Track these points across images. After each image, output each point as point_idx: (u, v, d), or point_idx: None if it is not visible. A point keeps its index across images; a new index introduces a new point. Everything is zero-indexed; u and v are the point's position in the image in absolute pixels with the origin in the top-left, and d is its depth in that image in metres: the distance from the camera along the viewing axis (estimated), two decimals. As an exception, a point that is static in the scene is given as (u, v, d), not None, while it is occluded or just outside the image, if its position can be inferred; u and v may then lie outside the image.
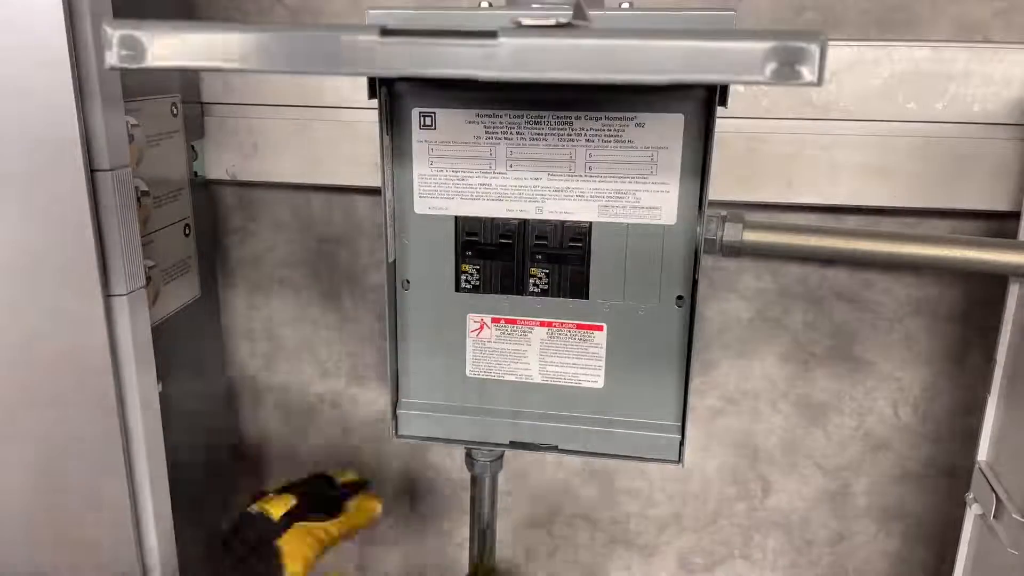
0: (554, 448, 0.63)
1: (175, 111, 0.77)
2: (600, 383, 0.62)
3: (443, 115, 0.57)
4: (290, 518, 0.66)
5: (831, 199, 0.75)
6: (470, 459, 0.68)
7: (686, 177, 0.55)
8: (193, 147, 0.82)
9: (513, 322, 0.61)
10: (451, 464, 0.98)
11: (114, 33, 0.35)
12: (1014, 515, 0.64)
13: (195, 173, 0.83)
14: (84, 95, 0.57)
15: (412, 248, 0.61)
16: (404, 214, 0.60)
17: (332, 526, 0.68)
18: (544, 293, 0.60)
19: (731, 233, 0.60)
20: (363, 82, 0.54)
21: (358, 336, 0.95)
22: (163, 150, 0.75)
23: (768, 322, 0.86)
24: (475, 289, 0.61)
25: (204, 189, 0.86)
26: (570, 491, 0.96)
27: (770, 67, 0.31)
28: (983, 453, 0.72)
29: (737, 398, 0.89)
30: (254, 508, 0.66)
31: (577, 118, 0.55)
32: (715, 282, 0.85)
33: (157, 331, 0.68)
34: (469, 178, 0.58)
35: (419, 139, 0.58)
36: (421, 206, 0.60)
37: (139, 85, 0.69)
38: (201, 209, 0.84)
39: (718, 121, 0.51)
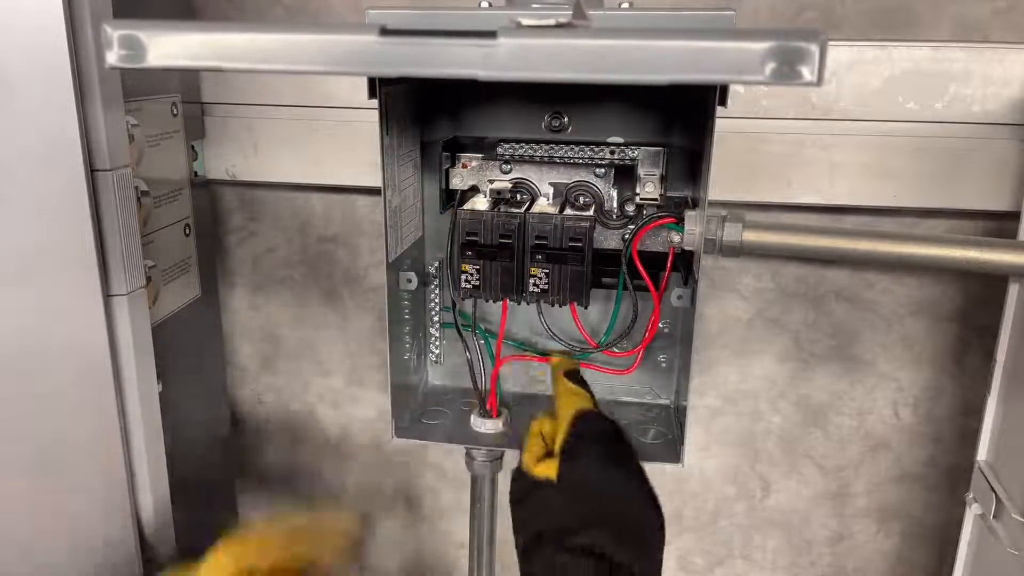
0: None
1: (175, 111, 0.77)
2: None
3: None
4: None
5: (831, 199, 0.75)
6: (470, 459, 0.68)
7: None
8: (193, 147, 0.82)
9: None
10: (451, 464, 0.98)
11: (114, 33, 0.35)
12: (1014, 515, 0.64)
13: (195, 173, 0.83)
14: (84, 95, 0.57)
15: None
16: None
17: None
18: (544, 293, 0.60)
19: (731, 233, 0.59)
20: (363, 82, 0.54)
21: (358, 336, 0.95)
22: (163, 150, 0.75)
23: (768, 322, 0.86)
24: (475, 289, 0.61)
25: (204, 189, 0.86)
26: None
27: (770, 67, 0.30)
28: (983, 453, 0.72)
29: (737, 398, 0.89)
30: None
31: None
32: (715, 282, 0.85)
33: (157, 331, 0.68)
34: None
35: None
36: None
37: (139, 85, 0.69)
38: (201, 209, 0.84)
39: (718, 121, 0.51)
